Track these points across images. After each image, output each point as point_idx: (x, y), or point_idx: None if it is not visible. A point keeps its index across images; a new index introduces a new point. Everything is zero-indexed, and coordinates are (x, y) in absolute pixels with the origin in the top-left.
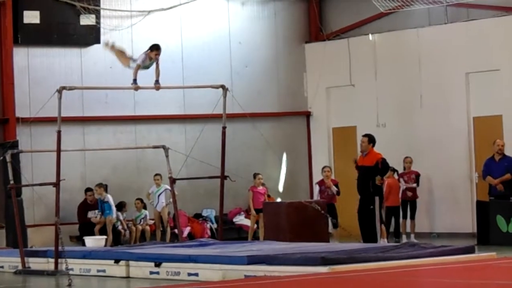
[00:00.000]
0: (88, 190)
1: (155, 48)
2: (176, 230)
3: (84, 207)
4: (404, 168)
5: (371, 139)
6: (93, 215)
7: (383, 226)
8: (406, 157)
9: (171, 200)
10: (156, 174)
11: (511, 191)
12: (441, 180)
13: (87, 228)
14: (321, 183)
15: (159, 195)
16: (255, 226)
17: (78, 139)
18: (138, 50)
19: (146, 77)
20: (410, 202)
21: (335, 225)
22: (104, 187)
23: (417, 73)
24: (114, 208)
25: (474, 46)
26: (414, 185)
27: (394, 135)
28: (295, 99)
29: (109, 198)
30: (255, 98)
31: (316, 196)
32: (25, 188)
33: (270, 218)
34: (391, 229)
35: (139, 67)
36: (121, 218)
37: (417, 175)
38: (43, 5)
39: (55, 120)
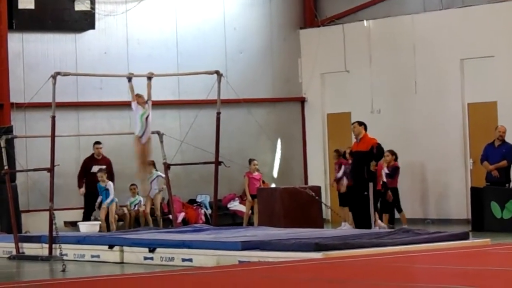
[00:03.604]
0: (96, 143)
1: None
2: (170, 216)
3: (90, 160)
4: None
5: (360, 123)
6: (97, 170)
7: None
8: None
9: (163, 186)
10: None
11: (507, 178)
12: (436, 166)
13: (90, 183)
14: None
15: (151, 182)
16: (249, 211)
17: (72, 125)
18: (133, 36)
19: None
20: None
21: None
22: (104, 172)
23: (412, 59)
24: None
25: (469, 32)
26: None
27: (388, 121)
28: (290, 85)
29: (110, 185)
30: (249, 84)
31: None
32: (19, 173)
33: (265, 203)
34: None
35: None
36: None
37: None
38: None
39: (50, 105)
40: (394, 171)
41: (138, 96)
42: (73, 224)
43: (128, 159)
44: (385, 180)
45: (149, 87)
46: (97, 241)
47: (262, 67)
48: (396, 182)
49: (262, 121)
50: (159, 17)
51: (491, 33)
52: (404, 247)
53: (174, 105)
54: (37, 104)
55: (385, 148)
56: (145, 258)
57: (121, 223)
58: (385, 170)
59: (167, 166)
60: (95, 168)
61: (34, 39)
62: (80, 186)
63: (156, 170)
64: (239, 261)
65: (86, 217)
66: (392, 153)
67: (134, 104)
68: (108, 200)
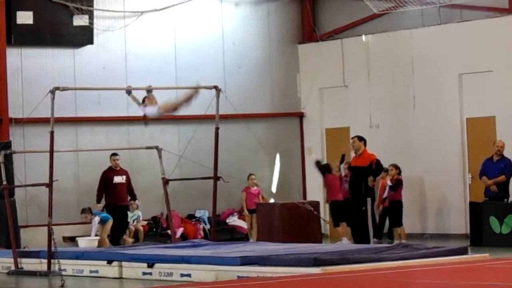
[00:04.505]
0: (113, 154)
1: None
2: (169, 231)
3: (109, 172)
4: None
5: (360, 138)
6: (121, 180)
7: None
8: None
9: None
10: None
11: (505, 193)
12: (434, 181)
13: (111, 196)
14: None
15: None
16: (250, 226)
17: (71, 140)
18: (131, 51)
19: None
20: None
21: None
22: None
23: (410, 74)
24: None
25: (467, 47)
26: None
27: (387, 136)
28: (288, 100)
29: (95, 222)
30: (248, 99)
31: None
32: (18, 188)
33: (264, 219)
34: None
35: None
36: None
37: None
38: (36, 5)
39: (48, 120)
40: (397, 184)
41: (148, 98)
42: (72, 239)
43: None
44: (386, 195)
45: (152, 96)
46: (96, 256)
47: (261, 82)
48: (400, 195)
49: (260, 136)
50: (158, 32)
51: (490, 48)
52: (402, 262)
53: (173, 120)
54: (36, 119)
55: (384, 163)
56: (144, 273)
57: None
58: (388, 183)
59: (165, 181)
60: (116, 179)
61: (33, 54)
62: (98, 201)
63: None
64: (238, 277)
65: (120, 234)
66: (396, 167)
67: (142, 108)
68: (94, 228)
